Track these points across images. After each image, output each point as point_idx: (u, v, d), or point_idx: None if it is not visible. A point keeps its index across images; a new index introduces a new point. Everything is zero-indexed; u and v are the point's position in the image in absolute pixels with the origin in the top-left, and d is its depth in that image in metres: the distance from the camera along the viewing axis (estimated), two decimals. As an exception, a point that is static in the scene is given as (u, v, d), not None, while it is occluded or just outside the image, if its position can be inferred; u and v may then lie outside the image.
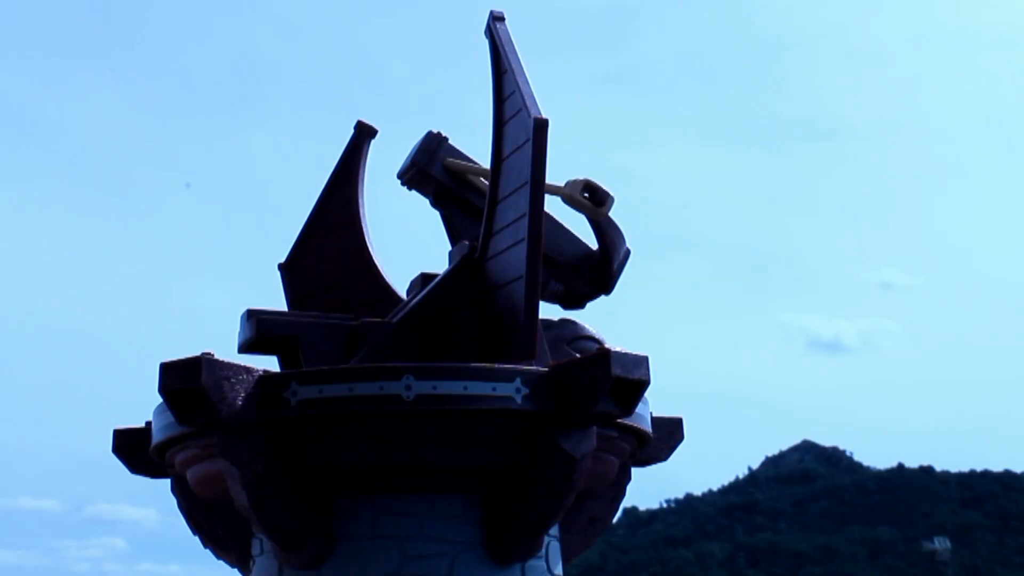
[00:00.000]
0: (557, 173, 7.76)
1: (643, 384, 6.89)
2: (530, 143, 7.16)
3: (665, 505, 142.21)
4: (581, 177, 8.02)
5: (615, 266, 8.71)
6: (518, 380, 6.84)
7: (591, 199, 7.99)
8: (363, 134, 9.34)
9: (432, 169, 8.74)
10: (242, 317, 8.01)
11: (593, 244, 8.68)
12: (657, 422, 8.02)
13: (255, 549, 7.63)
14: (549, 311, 8.60)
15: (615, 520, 8.62)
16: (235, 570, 8.05)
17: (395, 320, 7.82)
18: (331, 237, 9.19)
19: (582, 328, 8.31)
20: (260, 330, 7.84)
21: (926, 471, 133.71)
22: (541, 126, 7.11)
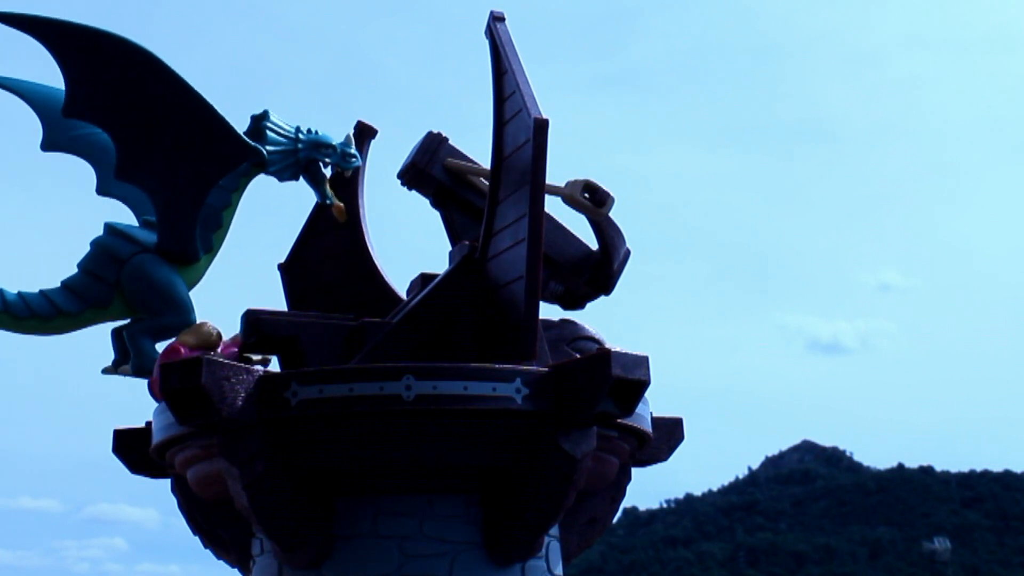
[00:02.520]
0: (557, 174, 7.77)
1: (643, 384, 6.89)
2: (530, 143, 7.15)
3: (665, 505, 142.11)
4: (581, 178, 8.02)
5: (615, 266, 8.70)
6: (518, 380, 6.84)
7: (591, 199, 7.99)
8: (363, 134, 9.32)
9: (432, 169, 8.74)
10: (242, 317, 8.00)
11: (593, 244, 8.68)
12: (657, 422, 8.02)
13: (255, 549, 7.63)
14: (549, 311, 8.61)
15: (615, 520, 8.63)
16: (235, 570, 8.06)
17: (395, 320, 7.82)
18: (331, 237, 9.18)
19: (582, 328, 8.30)
20: (260, 330, 7.83)
21: (926, 471, 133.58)
22: (541, 126, 7.10)
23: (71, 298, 7.90)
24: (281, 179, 8.32)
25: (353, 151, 8.50)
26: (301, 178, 8.44)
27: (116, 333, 8.10)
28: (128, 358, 7.98)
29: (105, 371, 8.18)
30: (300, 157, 8.31)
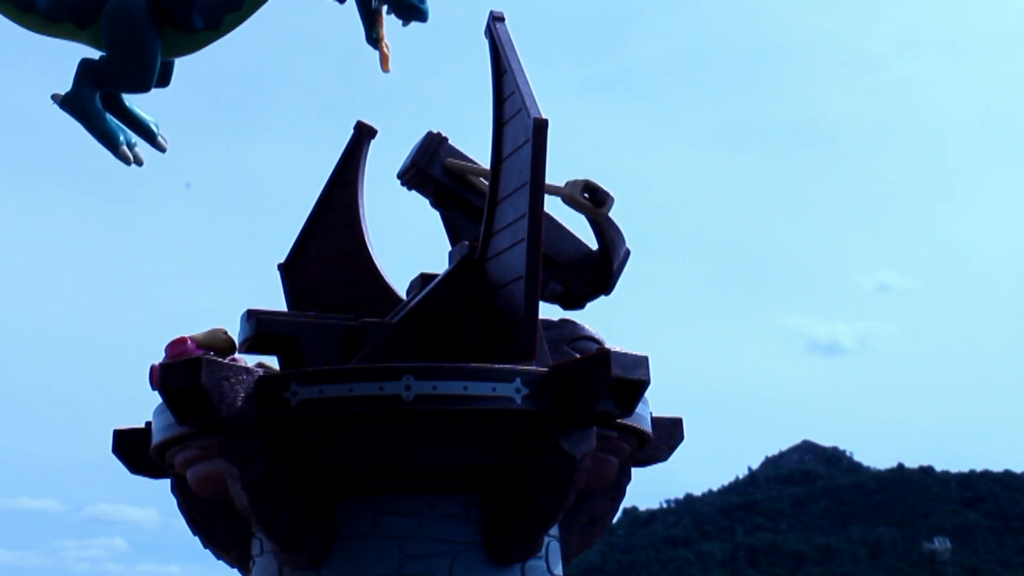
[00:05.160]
0: (556, 174, 7.77)
1: (643, 384, 6.89)
2: (530, 143, 7.15)
3: (665, 505, 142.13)
4: (581, 178, 8.02)
5: (615, 266, 8.70)
6: (518, 380, 6.84)
7: (591, 199, 7.98)
8: (363, 134, 9.32)
9: (432, 169, 8.74)
10: (242, 317, 8.01)
11: (593, 244, 8.68)
12: (657, 422, 8.02)
13: (255, 549, 7.63)
14: (549, 311, 8.60)
15: (615, 520, 8.62)
16: (235, 570, 8.06)
17: (395, 320, 7.82)
18: (331, 237, 9.18)
19: (582, 328, 8.30)
20: (260, 330, 7.84)
21: (926, 471, 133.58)
22: (541, 126, 7.11)
23: (54, 4, 7.74)
24: None
25: (421, 4, 7.89)
26: (352, 3, 8.00)
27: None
28: None
29: (52, 97, 8.03)
30: None
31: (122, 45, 7.65)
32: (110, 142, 8.02)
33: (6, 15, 7.96)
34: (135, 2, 7.67)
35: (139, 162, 8.17)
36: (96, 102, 7.78)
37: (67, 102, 7.80)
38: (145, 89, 7.79)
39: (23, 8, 7.82)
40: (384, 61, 8.12)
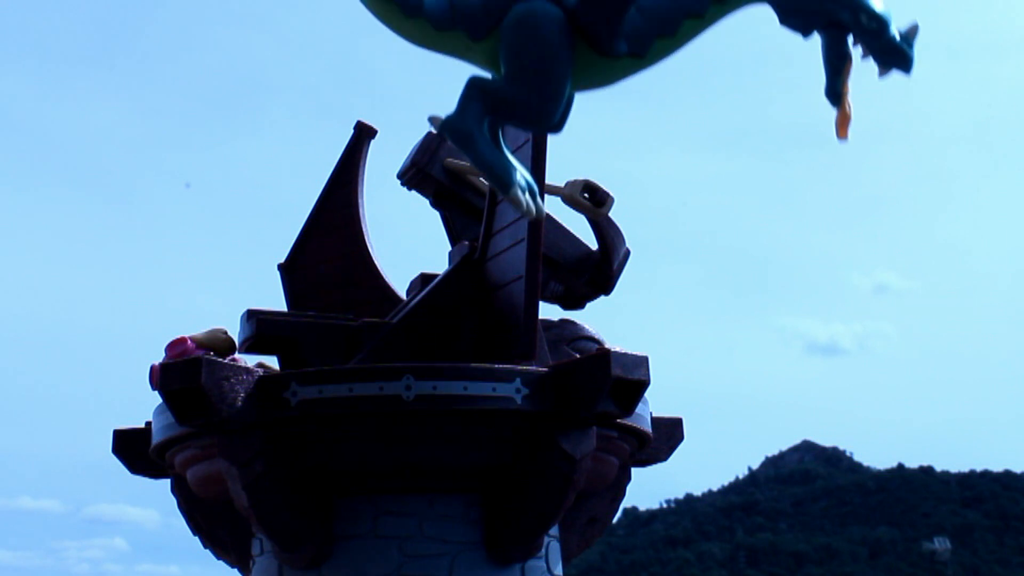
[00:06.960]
0: (556, 175, 7.77)
1: (643, 384, 6.89)
2: (530, 143, 7.16)
3: (665, 505, 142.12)
4: (581, 178, 8.02)
5: (615, 266, 8.70)
6: (518, 380, 6.84)
7: (591, 199, 7.99)
8: (363, 134, 9.32)
9: (432, 169, 8.74)
10: (242, 317, 8.01)
11: (593, 244, 8.68)
12: (657, 422, 8.02)
13: (255, 549, 7.63)
14: (549, 311, 8.61)
15: (615, 520, 8.62)
16: (235, 570, 8.06)
17: (395, 320, 7.82)
18: (331, 237, 9.18)
19: (582, 328, 8.31)
20: (260, 330, 7.84)
21: (926, 471, 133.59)
22: (541, 126, 7.09)
23: (446, 9, 6.26)
24: (785, 21, 6.19)
25: (909, 49, 6.04)
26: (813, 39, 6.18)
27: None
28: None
29: (430, 119, 7.08)
30: (827, 6, 5.97)
31: (526, 64, 6.13)
32: (500, 179, 6.29)
33: (382, 18, 6.42)
34: (549, 13, 6.14)
35: (539, 216, 6.44)
36: (485, 129, 6.21)
37: (448, 126, 6.23)
38: (547, 124, 6.25)
39: (409, 12, 6.30)
40: (842, 125, 6.16)
